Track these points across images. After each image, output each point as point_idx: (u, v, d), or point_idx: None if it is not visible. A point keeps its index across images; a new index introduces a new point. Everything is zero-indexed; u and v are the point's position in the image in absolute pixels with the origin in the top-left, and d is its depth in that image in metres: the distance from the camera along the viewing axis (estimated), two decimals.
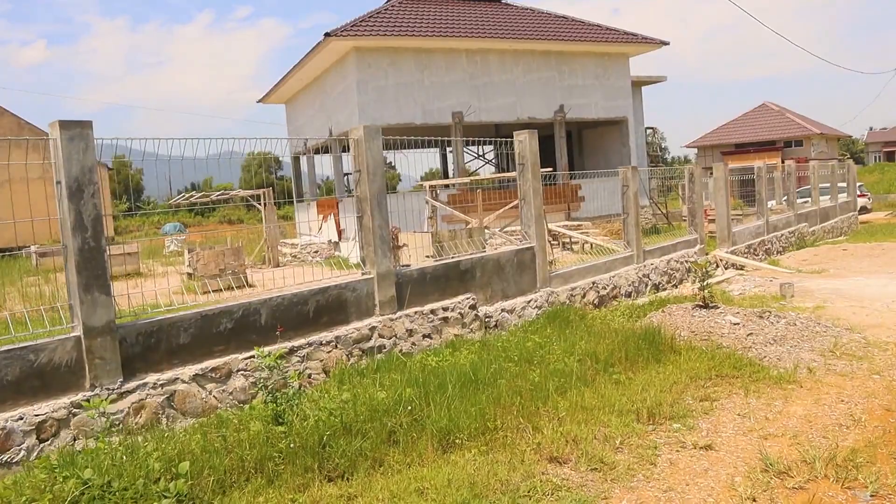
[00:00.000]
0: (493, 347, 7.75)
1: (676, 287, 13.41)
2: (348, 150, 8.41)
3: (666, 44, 24.76)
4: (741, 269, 15.36)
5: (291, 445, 4.81)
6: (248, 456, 4.69)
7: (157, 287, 13.88)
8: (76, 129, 5.65)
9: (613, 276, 11.77)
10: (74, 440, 5.36)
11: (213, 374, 6.27)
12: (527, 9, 25.64)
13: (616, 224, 20.42)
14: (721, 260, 15.83)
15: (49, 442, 5.34)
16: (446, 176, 32.76)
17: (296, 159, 29.08)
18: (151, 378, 5.92)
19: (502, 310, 9.24)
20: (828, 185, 26.09)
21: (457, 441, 5.25)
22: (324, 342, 7.15)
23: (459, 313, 8.54)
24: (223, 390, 6.31)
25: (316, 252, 21.21)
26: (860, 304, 10.20)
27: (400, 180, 64.30)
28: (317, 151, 28.00)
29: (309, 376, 6.93)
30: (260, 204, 21.71)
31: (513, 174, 10.82)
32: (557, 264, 11.43)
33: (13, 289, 14.97)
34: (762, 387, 6.57)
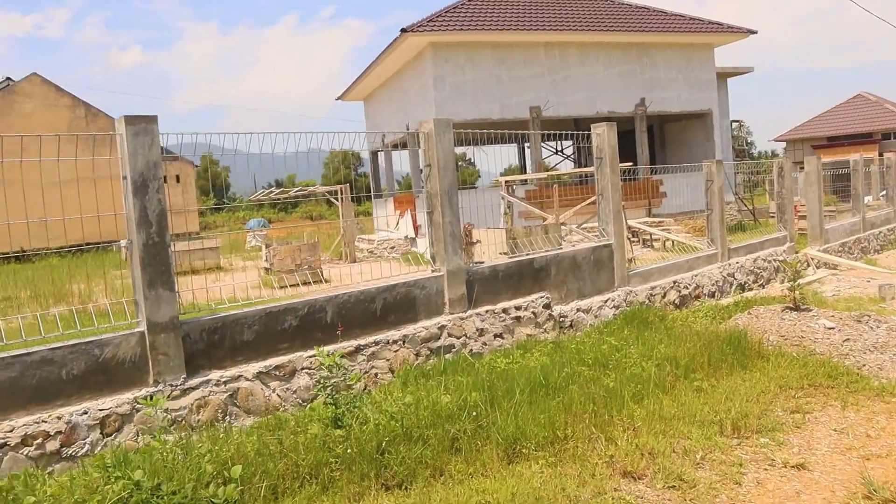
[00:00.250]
0: (566, 349, 7.39)
1: (763, 287, 12.71)
2: None
3: (753, 32, 23.66)
4: (834, 268, 14.47)
5: (349, 451, 4.60)
6: (303, 461, 4.50)
7: (234, 282, 14.15)
8: (141, 124, 5.62)
9: (696, 275, 11.21)
10: (138, 435, 5.34)
11: (277, 373, 6.17)
12: (607, 0, 24.96)
13: (699, 221, 19.71)
14: (812, 259, 14.95)
15: (113, 437, 5.33)
16: (524, 172, 32.31)
17: (374, 155, 29.22)
18: (215, 375, 5.86)
19: (578, 309, 8.88)
20: None
21: (523, 451, 4.92)
22: (391, 341, 6.97)
23: (533, 312, 8.22)
24: (287, 389, 6.20)
25: (392, 248, 21.20)
26: None
27: (479, 176, 64.13)
28: (395, 147, 28.04)
29: (375, 376, 6.76)
30: (338, 200, 21.84)
31: (591, 169, 10.42)
32: (637, 262, 10.97)
33: (101, 281, 15.44)
34: (861, 399, 5.98)
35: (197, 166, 41.11)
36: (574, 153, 32.42)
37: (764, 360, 6.99)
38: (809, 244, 15.65)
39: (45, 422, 5.07)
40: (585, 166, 24.02)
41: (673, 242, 15.33)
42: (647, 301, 9.91)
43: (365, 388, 6.53)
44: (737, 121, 30.63)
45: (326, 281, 14.23)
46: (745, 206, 23.99)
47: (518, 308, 8.09)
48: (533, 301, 8.28)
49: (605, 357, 7.00)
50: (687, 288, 10.85)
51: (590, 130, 9.89)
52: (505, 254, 9.05)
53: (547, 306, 8.39)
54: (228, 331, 6.05)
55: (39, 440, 5.00)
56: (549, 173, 20.09)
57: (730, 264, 12.17)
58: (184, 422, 5.56)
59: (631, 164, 15.40)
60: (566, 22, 21.66)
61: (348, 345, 6.61)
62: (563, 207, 16.04)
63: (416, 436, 4.92)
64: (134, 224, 5.56)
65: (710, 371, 6.68)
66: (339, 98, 28.94)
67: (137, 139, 5.58)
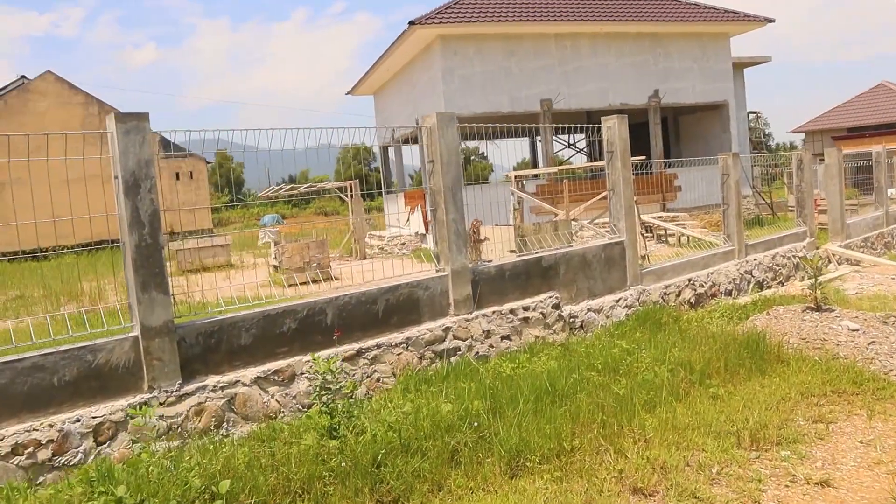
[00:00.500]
0: (574, 353, 7.11)
1: (783, 285, 12.35)
2: None
3: (771, 21, 23.21)
4: (856, 264, 14.09)
5: (343, 464, 4.37)
6: (295, 474, 4.27)
7: (234, 282, 13.96)
8: (132, 122, 5.44)
9: (712, 273, 10.89)
10: (133, 443, 5.15)
11: (276, 377, 5.97)
12: None
13: (715, 215, 19.36)
14: (833, 255, 14.57)
15: (107, 445, 5.16)
16: (535, 166, 32.00)
17: (384, 150, 29.02)
18: (211, 380, 5.67)
19: (588, 309, 8.61)
20: None
21: (527, 464, 4.65)
22: (394, 344, 6.74)
23: (541, 313, 7.97)
24: (286, 394, 6.00)
25: (403, 244, 20.99)
26: None
27: (492, 171, 63.81)
28: (406, 142, 27.83)
29: (377, 380, 6.54)
30: (347, 196, 21.66)
31: (602, 163, 10.13)
32: (650, 259, 10.67)
33: (113, 279, 15.30)
34: (889, 407, 5.62)
35: (209, 163, 41.13)
36: (587, 147, 32.07)
37: (784, 365, 6.65)
38: (830, 239, 15.27)
39: (37, 430, 4.91)
40: (598, 160, 23.71)
41: (688, 238, 15.00)
42: (660, 300, 9.62)
43: (367, 393, 6.32)
44: (754, 112, 30.16)
45: (335, 279, 14.06)
46: (763, 199, 23.57)
47: (526, 308, 7.84)
48: (542, 301, 8.02)
49: (616, 361, 6.71)
50: (702, 286, 10.54)
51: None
52: (513, 251, 8.80)
53: (556, 306, 8.13)
54: (225, 334, 5.85)
55: (31, 449, 4.84)
56: (561, 168, 19.79)
57: (747, 261, 11.83)
58: (179, 429, 5.38)
59: (644, 157, 15.09)
60: (577, 12, 21.34)
61: (349, 348, 6.40)
62: (574, 203, 15.75)
63: (415, 448, 4.68)
64: (126, 225, 5.37)
65: (727, 376, 6.35)
66: (348, 93, 28.76)
67: (128, 137, 5.39)
